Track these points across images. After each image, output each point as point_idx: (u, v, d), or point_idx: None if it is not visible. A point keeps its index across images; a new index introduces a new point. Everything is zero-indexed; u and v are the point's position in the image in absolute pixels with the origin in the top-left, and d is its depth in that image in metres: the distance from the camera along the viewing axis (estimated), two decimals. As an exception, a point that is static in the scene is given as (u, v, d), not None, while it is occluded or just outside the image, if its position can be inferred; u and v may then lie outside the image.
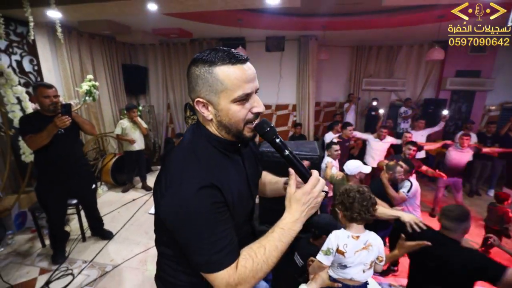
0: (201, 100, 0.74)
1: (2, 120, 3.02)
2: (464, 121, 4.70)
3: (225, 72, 0.70)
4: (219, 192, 0.73)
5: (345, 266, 1.31)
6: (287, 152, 0.77)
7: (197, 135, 0.81)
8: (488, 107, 5.75)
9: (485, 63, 5.46)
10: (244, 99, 0.73)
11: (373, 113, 5.55)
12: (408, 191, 2.57)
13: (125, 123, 4.20)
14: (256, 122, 0.78)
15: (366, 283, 1.38)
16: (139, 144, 4.34)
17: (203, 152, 0.77)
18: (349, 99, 5.72)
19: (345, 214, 1.36)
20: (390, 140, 4.12)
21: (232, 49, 0.73)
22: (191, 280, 0.88)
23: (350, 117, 5.59)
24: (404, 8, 3.68)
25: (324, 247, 1.34)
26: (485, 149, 3.95)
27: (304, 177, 0.78)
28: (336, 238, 1.33)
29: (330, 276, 1.39)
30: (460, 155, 3.76)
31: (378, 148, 4.06)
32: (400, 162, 2.66)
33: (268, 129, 0.77)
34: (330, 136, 4.36)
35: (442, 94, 5.77)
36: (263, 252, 0.74)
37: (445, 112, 4.52)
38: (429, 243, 1.40)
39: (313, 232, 1.84)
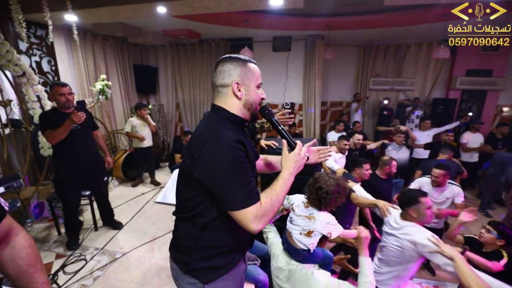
0: (239, 82, 1.03)
1: (23, 117, 3.25)
2: (472, 121, 4.58)
3: (253, 67, 1.07)
4: (244, 146, 0.99)
5: (291, 221, 1.62)
6: (280, 127, 1.13)
7: (215, 116, 1.06)
8: (501, 107, 5.62)
9: (497, 61, 5.34)
10: (260, 86, 1.09)
11: (385, 112, 5.54)
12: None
13: (134, 121, 4.39)
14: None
15: (305, 251, 1.52)
16: (148, 141, 4.53)
17: (225, 124, 1.03)
18: (355, 98, 5.73)
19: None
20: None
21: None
22: (208, 243, 1.07)
23: (357, 117, 5.60)
24: (408, 7, 3.68)
25: (288, 197, 1.70)
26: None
27: (292, 146, 1.10)
28: (296, 198, 1.68)
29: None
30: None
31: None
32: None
33: (267, 111, 1.14)
34: (332, 135, 4.42)
35: (452, 93, 5.68)
36: (275, 193, 1.00)
37: (470, 113, 4.60)
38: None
39: None
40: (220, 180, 0.94)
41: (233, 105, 1.05)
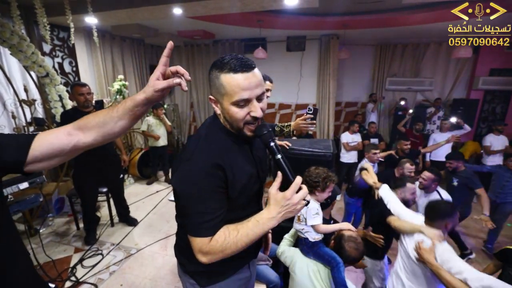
0: (212, 98, 0.89)
1: (46, 116, 3.40)
2: (494, 122, 4.36)
3: (227, 79, 0.80)
4: (222, 172, 0.85)
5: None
6: (278, 156, 0.85)
7: (212, 124, 0.95)
8: (527, 108, 5.33)
9: (524, 60, 5.07)
10: (241, 103, 0.82)
11: (400, 113, 5.39)
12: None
13: (151, 120, 4.49)
14: (257, 124, 0.88)
15: (307, 240, 1.62)
16: (163, 140, 4.62)
17: (215, 137, 0.91)
18: (371, 99, 5.60)
19: None
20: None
21: (243, 57, 0.83)
22: None
23: (373, 117, 5.47)
24: (428, 4, 3.56)
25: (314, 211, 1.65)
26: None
27: (289, 182, 0.84)
28: None
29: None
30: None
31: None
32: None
33: (265, 132, 0.86)
34: (346, 136, 4.34)
35: (474, 94, 5.44)
36: (235, 235, 0.85)
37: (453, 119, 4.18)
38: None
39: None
40: (182, 199, 0.87)
41: (221, 118, 0.92)
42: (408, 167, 2.64)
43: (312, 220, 1.59)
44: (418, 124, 4.73)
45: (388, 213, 1.93)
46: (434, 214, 1.64)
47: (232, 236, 0.85)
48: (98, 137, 0.79)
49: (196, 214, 0.85)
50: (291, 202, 0.82)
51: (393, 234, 1.98)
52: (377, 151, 3.06)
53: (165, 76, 0.78)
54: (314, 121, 1.94)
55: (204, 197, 0.84)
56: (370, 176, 2.48)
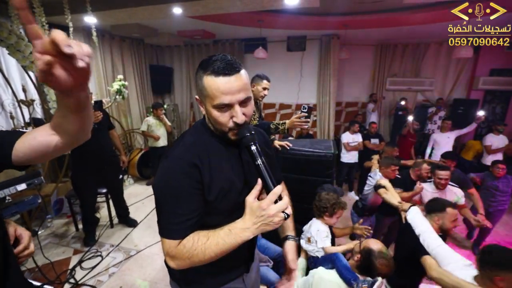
0: (197, 98, 0.86)
1: (44, 116, 3.37)
2: (494, 122, 4.34)
3: (208, 82, 0.77)
4: (198, 172, 0.81)
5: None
6: (258, 161, 0.78)
7: (201, 125, 0.92)
8: (527, 108, 5.33)
9: (524, 60, 5.06)
10: (222, 107, 0.78)
11: (400, 113, 5.38)
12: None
13: (151, 120, 4.47)
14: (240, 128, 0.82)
15: (314, 258, 1.72)
16: (163, 141, 4.59)
17: (200, 138, 0.87)
18: (371, 99, 5.59)
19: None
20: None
21: (230, 59, 0.78)
22: None
23: (373, 117, 5.46)
24: (429, 4, 3.55)
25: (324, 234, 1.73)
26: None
27: (268, 191, 0.76)
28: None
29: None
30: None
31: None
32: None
33: (248, 135, 0.80)
34: (346, 136, 4.32)
35: (474, 94, 5.44)
36: (204, 241, 0.79)
37: (481, 113, 4.14)
38: None
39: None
40: (155, 196, 0.84)
41: (206, 120, 0.90)
42: (426, 168, 2.54)
43: (322, 242, 1.69)
44: (415, 123, 4.72)
45: (423, 250, 1.50)
46: (496, 262, 1.20)
47: (200, 243, 0.79)
48: (65, 139, 0.71)
49: (166, 213, 0.81)
50: (267, 213, 0.74)
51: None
52: (397, 167, 2.61)
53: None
54: (309, 120, 2.02)
55: (176, 196, 0.80)
56: (392, 195, 2.13)
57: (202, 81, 0.78)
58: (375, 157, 3.05)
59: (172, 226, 0.80)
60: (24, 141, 0.71)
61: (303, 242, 1.75)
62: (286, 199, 0.76)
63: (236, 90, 0.77)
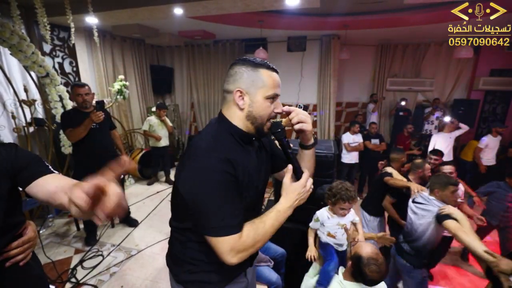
0: (241, 90, 0.89)
1: (46, 116, 3.39)
2: (494, 123, 4.35)
3: (267, 74, 0.89)
4: (232, 167, 0.84)
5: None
6: (290, 150, 0.95)
7: (218, 124, 0.95)
8: (528, 109, 5.32)
9: (524, 61, 5.06)
10: (272, 98, 0.91)
11: (401, 113, 5.39)
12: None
13: (153, 120, 4.48)
14: (272, 122, 0.96)
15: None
16: (164, 141, 4.61)
17: (222, 137, 0.91)
18: (372, 99, 5.59)
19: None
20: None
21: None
22: (197, 257, 0.98)
23: (374, 118, 5.46)
24: (430, 4, 3.56)
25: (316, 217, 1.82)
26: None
27: (298, 174, 0.95)
28: (321, 214, 1.84)
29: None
30: None
31: None
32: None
33: (279, 130, 0.96)
34: (347, 137, 4.33)
35: (474, 94, 5.44)
36: (262, 227, 0.87)
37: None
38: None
39: (322, 205, 1.92)
40: (197, 201, 0.82)
41: (235, 116, 0.92)
42: (428, 168, 2.52)
43: (312, 223, 1.83)
44: (409, 126, 4.70)
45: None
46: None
47: (260, 229, 0.86)
48: (71, 211, 0.72)
49: (220, 211, 0.81)
50: (305, 189, 0.93)
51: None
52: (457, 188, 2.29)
53: (98, 191, 0.58)
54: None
55: (224, 191, 0.82)
56: (470, 233, 1.58)
57: (257, 74, 0.88)
58: (395, 172, 2.55)
59: (229, 222, 0.81)
60: (45, 184, 0.82)
61: (323, 237, 1.78)
62: (310, 179, 0.96)
63: (280, 85, 0.94)
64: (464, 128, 4.28)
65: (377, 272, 1.29)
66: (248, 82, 0.88)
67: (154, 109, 4.89)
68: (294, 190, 0.92)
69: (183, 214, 0.94)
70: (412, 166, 2.59)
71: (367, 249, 1.35)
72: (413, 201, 2.02)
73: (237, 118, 0.92)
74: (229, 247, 0.81)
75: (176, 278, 1.05)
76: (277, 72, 0.93)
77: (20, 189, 0.89)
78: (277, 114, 0.96)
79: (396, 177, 2.43)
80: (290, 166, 0.94)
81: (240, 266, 1.02)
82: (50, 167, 0.90)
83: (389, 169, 2.55)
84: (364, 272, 1.30)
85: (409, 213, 2.01)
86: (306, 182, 0.94)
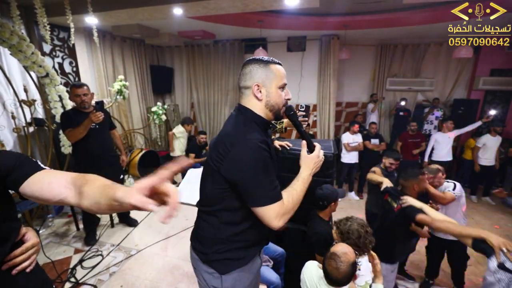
0: (259, 83, 1.06)
1: (46, 116, 3.39)
2: (493, 123, 4.33)
3: (276, 68, 1.07)
4: (268, 146, 1.04)
5: None
6: (302, 128, 1.21)
7: (242, 115, 1.11)
8: (528, 109, 5.31)
9: (525, 60, 5.05)
10: (283, 87, 1.10)
11: (401, 113, 5.39)
12: (454, 189, 2.24)
13: (184, 132, 4.72)
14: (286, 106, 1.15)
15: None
16: (177, 153, 4.77)
17: (250, 124, 1.08)
18: (372, 99, 5.59)
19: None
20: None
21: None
22: (227, 237, 1.12)
23: (373, 118, 5.46)
24: (429, 4, 3.55)
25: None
26: None
27: (311, 148, 1.19)
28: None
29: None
30: None
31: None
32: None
33: (292, 112, 1.18)
34: (347, 137, 4.33)
35: (474, 94, 5.44)
36: (296, 193, 1.08)
37: (492, 112, 4.17)
38: None
39: (321, 205, 1.89)
40: (245, 178, 0.99)
41: (256, 106, 1.09)
42: (441, 176, 2.31)
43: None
44: (412, 124, 4.70)
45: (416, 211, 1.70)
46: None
47: (295, 194, 1.07)
48: (83, 205, 0.75)
49: (265, 184, 1.00)
50: (319, 159, 1.18)
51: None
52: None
53: (152, 192, 0.60)
54: (306, 118, 2.10)
55: (267, 168, 1.00)
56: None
57: (268, 69, 1.06)
58: (378, 170, 2.62)
59: (273, 192, 1.01)
60: (39, 181, 0.79)
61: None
62: (322, 151, 1.20)
63: (286, 76, 1.13)
64: (470, 126, 4.27)
65: (335, 268, 1.27)
66: (263, 77, 1.05)
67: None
68: (311, 161, 1.15)
69: (221, 196, 1.07)
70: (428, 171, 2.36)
71: (338, 247, 1.34)
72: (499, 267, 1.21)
73: (258, 108, 1.09)
74: (275, 212, 1.00)
75: (203, 258, 1.15)
76: (281, 65, 1.11)
77: (12, 192, 0.86)
78: (289, 100, 1.13)
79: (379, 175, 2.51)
80: (304, 142, 1.18)
81: (260, 242, 1.24)
82: (39, 163, 0.86)
83: (374, 168, 2.64)
84: (324, 264, 1.34)
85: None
86: (319, 153, 1.18)
